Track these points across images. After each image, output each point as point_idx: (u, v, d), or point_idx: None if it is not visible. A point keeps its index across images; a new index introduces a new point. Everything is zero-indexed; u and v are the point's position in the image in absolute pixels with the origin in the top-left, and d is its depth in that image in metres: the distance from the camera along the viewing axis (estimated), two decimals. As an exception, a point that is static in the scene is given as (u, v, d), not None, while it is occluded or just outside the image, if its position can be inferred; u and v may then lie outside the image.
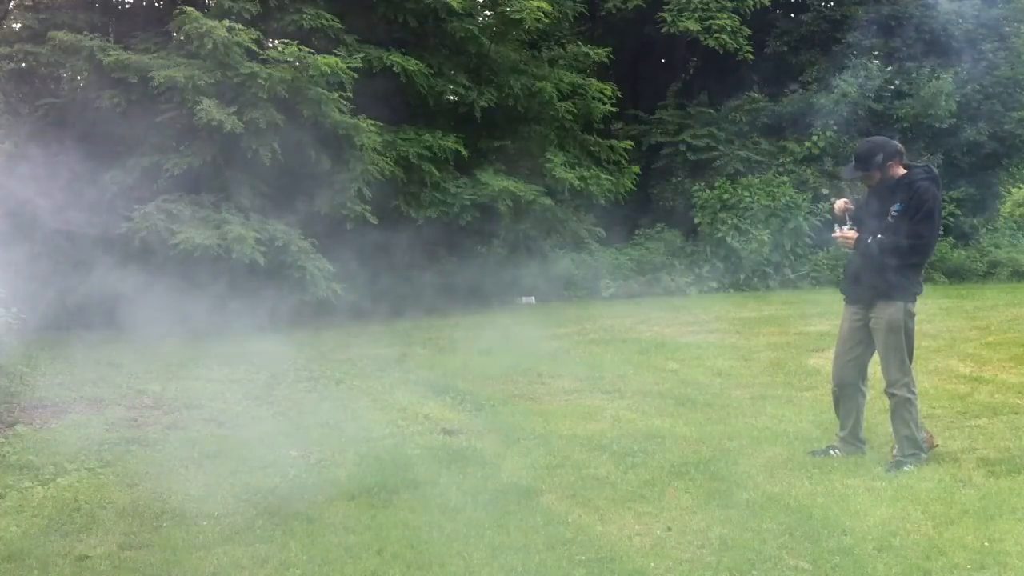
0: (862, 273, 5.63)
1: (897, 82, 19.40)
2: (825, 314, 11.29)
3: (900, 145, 5.67)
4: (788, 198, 17.32)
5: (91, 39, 12.20)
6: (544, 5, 13.81)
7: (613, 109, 16.02)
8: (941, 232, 16.72)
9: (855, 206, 5.97)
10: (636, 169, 16.12)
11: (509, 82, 14.43)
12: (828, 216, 16.81)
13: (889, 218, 5.49)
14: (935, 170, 5.73)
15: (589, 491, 5.19)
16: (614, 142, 16.21)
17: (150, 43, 12.72)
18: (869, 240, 5.52)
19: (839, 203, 5.84)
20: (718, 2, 17.76)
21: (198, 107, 11.37)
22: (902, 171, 5.56)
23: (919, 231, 5.48)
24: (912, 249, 5.49)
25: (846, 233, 5.61)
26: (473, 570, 4.16)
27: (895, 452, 5.56)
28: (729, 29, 17.45)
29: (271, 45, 12.62)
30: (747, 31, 17.74)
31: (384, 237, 14.19)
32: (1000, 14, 19.50)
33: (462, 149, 13.64)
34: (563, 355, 9.83)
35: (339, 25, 13.07)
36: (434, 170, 13.37)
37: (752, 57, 17.80)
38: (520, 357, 9.67)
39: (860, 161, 5.61)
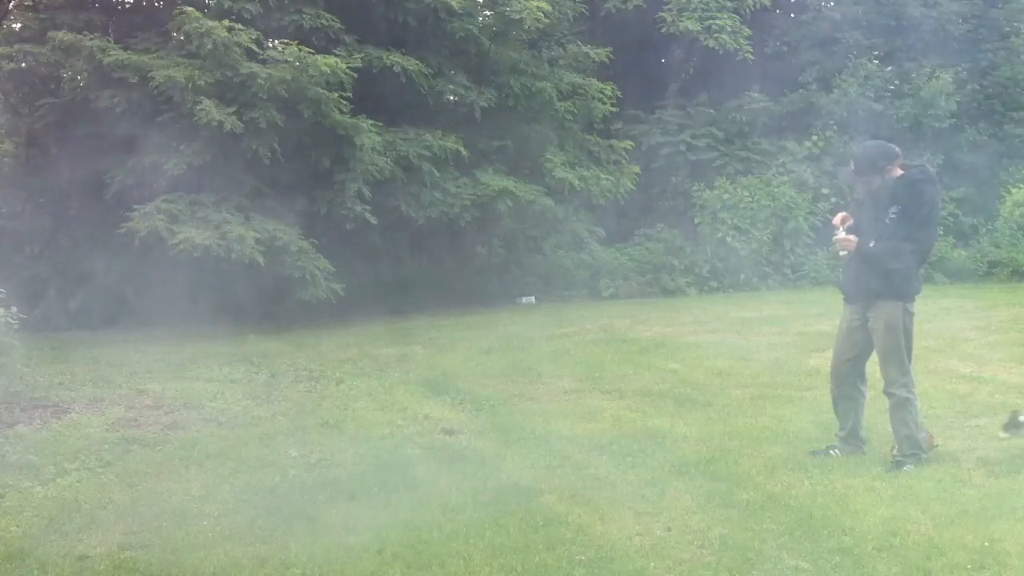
0: (861, 273, 5.63)
1: (897, 82, 19.38)
2: (825, 314, 11.27)
3: (897, 148, 5.68)
4: (788, 198, 17.29)
5: (91, 39, 12.18)
6: (544, 5, 13.78)
7: (613, 109, 15.98)
8: (941, 232, 16.78)
9: (852, 207, 5.99)
10: (636, 169, 16.08)
11: (509, 82, 14.41)
12: (828, 216, 16.82)
13: (887, 220, 5.51)
14: (931, 169, 5.75)
15: (589, 491, 5.19)
16: (614, 142, 16.18)
17: (150, 43, 12.70)
18: (872, 244, 5.53)
19: (839, 217, 5.82)
20: (718, 2, 17.73)
21: (198, 107, 11.36)
22: (899, 172, 5.57)
23: (919, 234, 5.50)
24: (913, 252, 5.51)
25: (847, 237, 5.61)
26: (473, 570, 4.16)
27: (895, 452, 5.57)
28: (729, 29, 17.42)
29: (271, 45, 12.59)
30: (747, 31, 17.70)
31: (384, 237, 14.18)
32: (1000, 14, 19.51)
33: (462, 149, 13.61)
34: (563, 355, 9.82)
35: (339, 25, 13.04)
36: (434, 170, 13.34)
37: (752, 57, 17.78)
38: (520, 357, 9.67)
39: (860, 166, 5.61)
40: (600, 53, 15.66)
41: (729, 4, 17.81)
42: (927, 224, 5.56)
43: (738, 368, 8.82)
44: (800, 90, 19.19)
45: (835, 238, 5.70)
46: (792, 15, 20.76)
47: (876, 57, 19.43)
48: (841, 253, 5.83)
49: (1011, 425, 5.53)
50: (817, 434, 6.21)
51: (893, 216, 5.49)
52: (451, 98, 14.32)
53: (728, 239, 16.79)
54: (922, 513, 4.66)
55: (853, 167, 5.66)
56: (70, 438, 6.51)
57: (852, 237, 5.60)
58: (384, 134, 12.83)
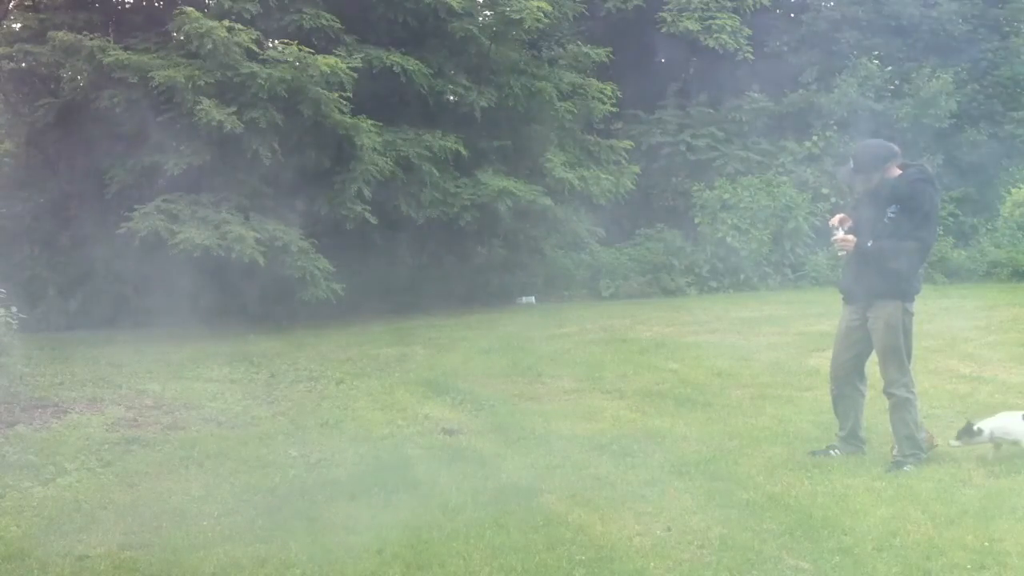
0: (861, 273, 5.63)
1: (897, 82, 19.39)
2: (825, 314, 11.27)
3: (896, 147, 5.69)
4: (788, 198, 17.30)
5: (91, 39, 12.17)
6: (544, 5, 13.78)
7: (613, 109, 15.98)
8: (941, 232, 16.74)
9: (850, 207, 5.99)
10: (636, 169, 16.08)
11: (509, 82, 14.41)
12: (828, 216, 16.83)
13: (886, 219, 5.51)
14: (929, 169, 5.77)
15: (589, 491, 5.19)
16: (614, 142, 16.17)
17: (150, 43, 12.70)
18: (870, 244, 5.52)
19: (837, 217, 5.80)
20: (718, 2, 17.74)
21: (198, 107, 11.36)
22: (897, 171, 5.58)
23: (920, 234, 5.51)
24: (914, 251, 5.52)
25: (845, 237, 5.61)
26: (473, 570, 4.16)
27: (895, 452, 5.57)
28: (729, 29, 17.43)
29: (271, 45, 12.59)
30: (747, 31, 17.71)
31: (384, 237, 14.18)
32: (1000, 14, 19.51)
33: (462, 149, 13.62)
34: (563, 355, 9.82)
35: (339, 25, 13.04)
36: (434, 170, 13.35)
37: (752, 57, 17.78)
38: (520, 357, 9.67)
39: (860, 163, 5.62)
40: (600, 53, 15.66)
41: (729, 4, 17.82)
42: (926, 223, 5.56)
43: (738, 368, 8.82)
44: (800, 90, 19.19)
45: (834, 238, 5.70)
46: (792, 15, 20.76)
47: (876, 57, 19.44)
48: (840, 253, 5.83)
49: (964, 433, 5.55)
50: (817, 434, 6.21)
51: (892, 215, 5.50)
52: (451, 98, 14.32)
53: (728, 239, 16.80)
54: (922, 513, 4.66)
55: (853, 164, 5.66)
56: (70, 438, 6.51)
57: (851, 237, 5.60)
58: (384, 134, 12.83)
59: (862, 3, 19.34)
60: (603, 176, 15.07)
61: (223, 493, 5.32)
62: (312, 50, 12.06)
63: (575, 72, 15.61)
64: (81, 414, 7.25)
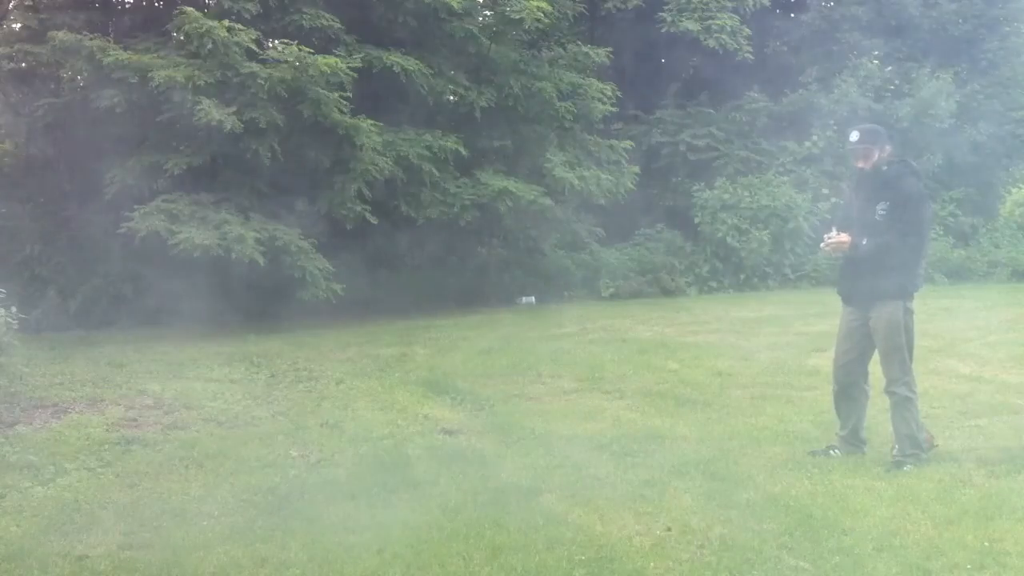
0: (859, 275, 5.63)
1: (897, 82, 19.39)
2: (825, 314, 11.27)
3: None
4: (788, 198, 17.30)
5: (91, 39, 12.17)
6: (544, 5, 13.78)
7: (613, 109, 15.98)
8: (941, 232, 16.74)
9: (843, 205, 6.03)
10: (636, 169, 16.08)
11: (509, 82, 14.41)
12: (828, 216, 16.84)
13: (876, 216, 5.51)
14: (913, 164, 5.82)
15: (589, 491, 5.19)
16: (614, 142, 16.17)
17: (150, 43, 12.70)
18: (864, 242, 5.52)
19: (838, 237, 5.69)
20: (718, 2, 17.74)
21: (198, 107, 11.36)
22: (885, 165, 5.60)
23: (917, 229, 5.53)
24: (911, 248, 5.52)
25: (839, 238, 5.59)
26: (473, 570, 4.16)
27: (895, 452, 5.57)
28: (729, 29, 17.43)
29: (271, 45, 12.60)
30: (747, 31, 17.71)
31: (384, 237, 14.18)
32: (1000, 14, 19.53)
33: (462, 149, 13.62)
34: (563, 355, 9.82)
35: (339, 25, 13.05)
36: (434, 170, 13.35)
37: (752, 57, 17.78)
38: (520, 357, 9.67)
39: (865, 135, 5.63)
40: (600, 53, 15.66)
41: (729, 4, 17.82)
42: (918, 219, 5.56)
43: (738, 368, 8.82)
44: (800, 90, 19.19)
45: (827, 241, 5.66)
46: (792, 15, 20.77)
47: (876, 57, 19.43)
48: (835, 255, 5.82)
49: None
50: (817, 434, 6.21)
51: (882, 212, 5.50)
52: (451, 98, 14.33)
53: (728, 239, 16.80)
54: (922, 513, 4.66)
55: (859, 137, 5.63)
56: (70, 438, 6.51)
57: (844, 237, 5.58)
58: (384, 134, 12.83)
59: (862, 3, 19.35)
60: (603, 176, 15.06)
61: (223, 493, 5.32)
62: (312, 50, 12.05)
63: (575, 72, 15.61)
64: (81, 414, 7.25)
